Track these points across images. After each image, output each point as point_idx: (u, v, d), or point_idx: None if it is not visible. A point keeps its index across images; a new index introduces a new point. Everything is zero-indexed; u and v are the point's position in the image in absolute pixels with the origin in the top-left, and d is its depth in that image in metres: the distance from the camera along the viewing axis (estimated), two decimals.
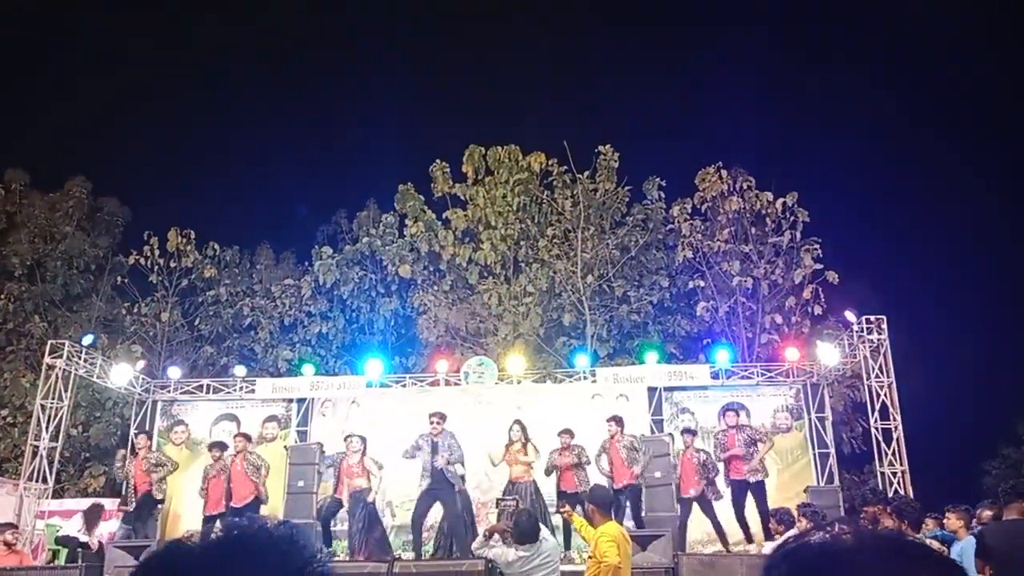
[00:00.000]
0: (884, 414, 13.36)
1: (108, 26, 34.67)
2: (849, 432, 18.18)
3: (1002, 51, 31.25)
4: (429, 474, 11.30)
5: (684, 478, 11.80)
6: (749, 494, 11.60)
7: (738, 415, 12.43)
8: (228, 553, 1.03)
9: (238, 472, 11.72)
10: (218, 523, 11.03)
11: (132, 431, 15.20)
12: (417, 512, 11.52)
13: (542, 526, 6.16)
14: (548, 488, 12.05)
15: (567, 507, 6.58)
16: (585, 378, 15.08)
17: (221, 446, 12.26)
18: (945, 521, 8.05)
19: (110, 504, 13.97)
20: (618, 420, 11.96)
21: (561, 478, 11.79)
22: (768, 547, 10.18)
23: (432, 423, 11.54)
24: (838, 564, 0.91)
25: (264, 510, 12.55)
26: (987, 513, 6.66)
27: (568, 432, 11.94)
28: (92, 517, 12.44)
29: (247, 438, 12.40)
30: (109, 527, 13.09)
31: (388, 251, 21.08)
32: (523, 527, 5.92)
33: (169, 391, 15.47)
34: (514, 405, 14.41)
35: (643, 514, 11.22)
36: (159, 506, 12.37)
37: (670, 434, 13.39)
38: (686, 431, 12.45)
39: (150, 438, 13.31)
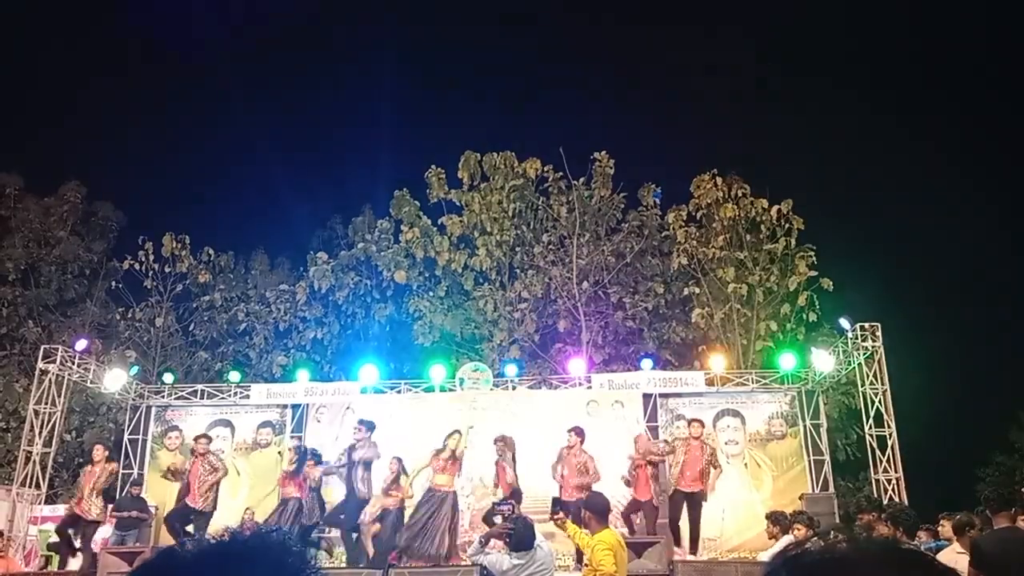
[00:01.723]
0: (879, 421, 13.38)
1: (103, 30, 34.71)
2: (844, 439, 18.21)
3: (997, 56, 31.44)
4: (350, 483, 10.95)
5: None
6: (686, 506, 11.47)
7: (703, 426, 12.21)
8: (222, 560, 1.03)
9: (195, 474, 11.53)
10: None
11: (126, 437, 15.17)
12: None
13: (538, 533, 6.15)
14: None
15: (560, 514, 6.55)
16: (580, 384, 15.09)
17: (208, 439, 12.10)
18: (940, 528, 8.07)
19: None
20: (579, 431, 11.67)
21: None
22: (764, 554, 10.17)
23: (355, 430, 11.13)
24: (839, 571, 0.91)
25: (258, 516, 12.49)
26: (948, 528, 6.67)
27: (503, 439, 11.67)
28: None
29: (207, 440, 12.12)
30: (103, 533, 13.02)
31: (383, 257, 21.07)
32: (519, 534, 5.91)
33: (163, 396, 15.43)
34: (509, 411, 14.42)
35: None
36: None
37: (665, 440, 13.40)
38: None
39: (107, 449, 12.79)
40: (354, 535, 10.87)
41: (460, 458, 11.16)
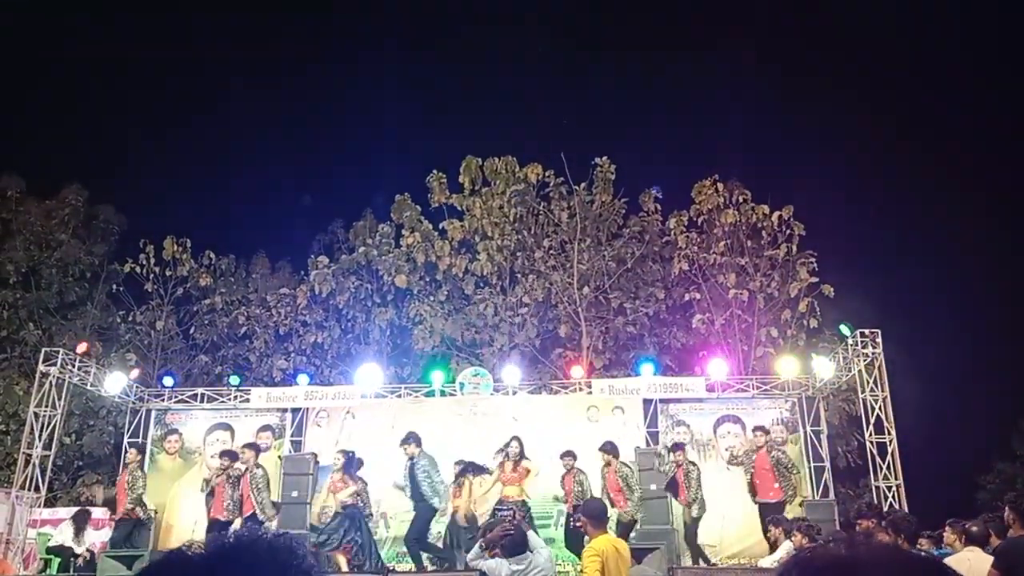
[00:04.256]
0: (879, 428, 13.37)
1: (105, 34, 34.75)
2: (844, 445, 18.19)
3: (996, 63, 31.47)
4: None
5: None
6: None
7: (768, 434, 12.20)
8: (227, 563, 1.03)
9: (246, 485, 11.50)
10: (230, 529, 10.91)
11: (125, 440, 15.15)
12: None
13: (537, 538, 6.15)
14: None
15: (582, 520, 6.58)
16: (580, 389, 15.07)
17: (232, 455, 12.01)
18: (944, 536, 8.04)
19: (102, 512, 13.88)
20: (608, 448, 11.69)
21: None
22: (765, 560, 10.15)
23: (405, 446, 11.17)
24: (849, 574, 0.92)
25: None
26: (952, 536, 6.64)
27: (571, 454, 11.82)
28: (80, 523, 12.35)
29: (256, 450, 12.15)
30: (101, 536, 13.01)
31: (384, 261, 21.07)
32: (510, 539, 5.91)
33: (163, 400, 15.42)
34: (509, 416, 14.39)
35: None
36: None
37: (666, 446, 13.38)
38: (676, 446, 12.25)
39: (140, 452, 13.04)
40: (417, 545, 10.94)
41: (525, 467, 11.27)
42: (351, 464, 11.50)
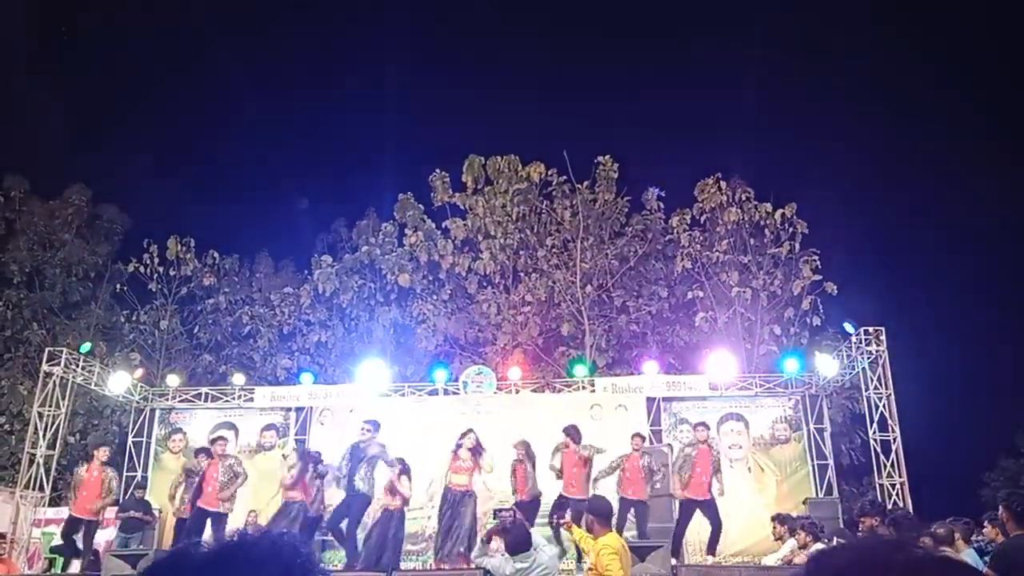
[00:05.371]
0: (883, 426, 13.34)
1: (109, 34, 34.80)
2: (848, 444, 18.17)
3: (999, 61, 31.42)
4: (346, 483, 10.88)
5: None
6: (698, 511, 11.33)
7: (708, 429, 12.10)
8: (232, 560, 1.03)
9: (211, 477, 11.50)
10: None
11: (130, 440, 15.19)
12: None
13: (540, 537, 6.15)
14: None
15: (566, 517, 6.55)
16: (584, 388, 15.08)
17: (207, 452, 12.03)
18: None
19: (108, 512, 13.89)
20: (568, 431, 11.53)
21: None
22: (768, 558, 10.15)
23: (362, 430, 11.17)
24: (878, 570, 0.92)
25: (261, 519, 12.49)
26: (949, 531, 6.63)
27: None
28: None
29: (225, 442, 12.12)
30: (105, 535, 13.03)
31: (387, 260, 21.08)
32: (513, 537, 5.92)
33: (167, 399, 15.45)
34: (512, 415, 14.40)
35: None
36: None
37: (669, 444, 13.39)
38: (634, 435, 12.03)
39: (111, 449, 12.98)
40: (359, 535, 10.87)
41: (478, 456, 11.13)
42: (306, 463, 11.46)
